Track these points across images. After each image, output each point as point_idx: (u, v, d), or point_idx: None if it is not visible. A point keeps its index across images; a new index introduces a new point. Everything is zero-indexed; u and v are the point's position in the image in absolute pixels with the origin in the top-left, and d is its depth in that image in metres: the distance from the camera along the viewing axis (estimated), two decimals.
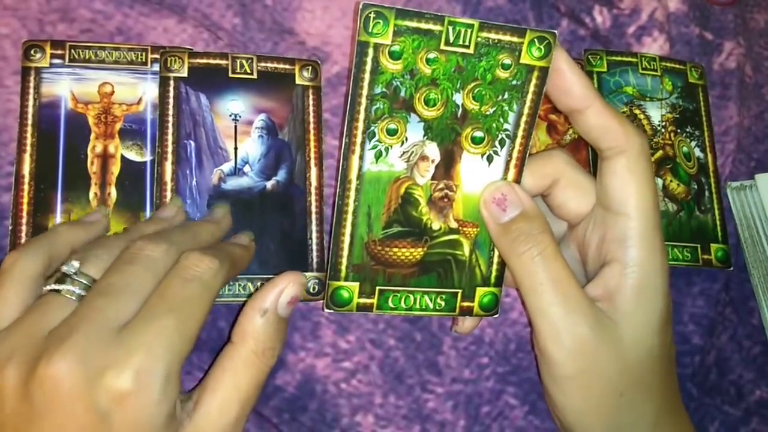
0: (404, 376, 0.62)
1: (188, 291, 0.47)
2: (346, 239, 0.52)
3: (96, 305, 0.46)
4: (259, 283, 0.58)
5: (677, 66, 0.72)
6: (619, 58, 0.70)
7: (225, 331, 0.59)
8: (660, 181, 0.67)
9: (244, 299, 0.57)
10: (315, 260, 0.60)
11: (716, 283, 0.69)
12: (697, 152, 0.69)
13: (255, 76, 0.62)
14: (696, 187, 0.68)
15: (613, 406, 0.51)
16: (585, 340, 0.50)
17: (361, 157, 0.50)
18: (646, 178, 0.52)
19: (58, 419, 0.43)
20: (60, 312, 0.46)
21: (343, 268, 0.52)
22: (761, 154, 0.74)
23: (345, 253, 0.52)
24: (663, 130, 0.69)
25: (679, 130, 0.69)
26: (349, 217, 0.51)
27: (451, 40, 0.49)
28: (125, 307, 0.46)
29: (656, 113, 0.69)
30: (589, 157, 0.67)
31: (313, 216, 0.61)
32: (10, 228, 0.57)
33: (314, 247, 0.61)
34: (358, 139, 0.50)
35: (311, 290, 0.59)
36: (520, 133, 0.52)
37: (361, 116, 0.49)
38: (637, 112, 0.69)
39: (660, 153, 0.68)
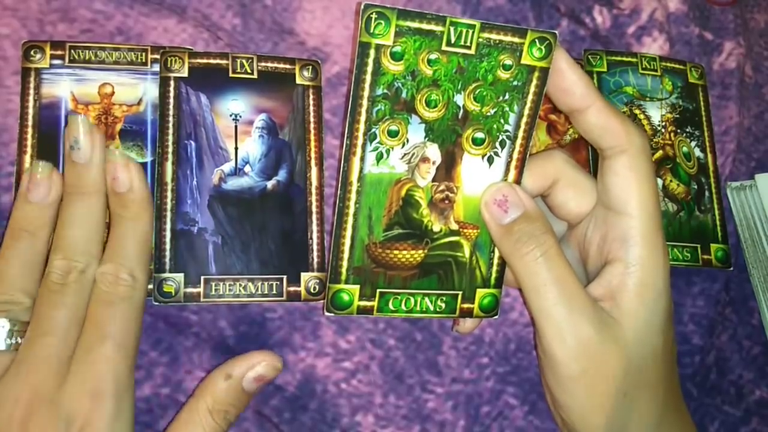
0: (404, 376, 0.62)
1: (114, 314, 0.50)
2: (347, 242, 0.52)
3: (43, 350, 0.49)
4: (259, 284, 0.58)
5: (677, 66, 0.72)
6: (619, 58, 0.70)
7: (225, 330, 0.59)
8: (660, 181, 0.67)
9: (245, 299, 0.57)
10: (315, 260, 0.60)
11: (716, 283, 0.69)
12: (697, 152, 0.70)
13: (255, 76, 0.62)
14: (696, 187, 0.68)
15: (617, 406, 0.51)
16: (589, 340, 0.50)
17: (362, 159, 0.50)
18: (647, 177, 0.52)
19: None
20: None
21: (344, 270, 0.52)
22: (761, 154, 0.74)
23: (345, 255, 0.52)
24: (663, 130, 0.69)
25: (679, 130, 0.69)
26: (350, 220, 0.51)
27: (453, 41, 0.49)
28: (69, 341, 0.49)
29: (656, 113, 0.69)
30: (589, 157, 0.67)
31: (314, 216, 0.61)
32: None
33: (315, 247, 0.60)
34: (359, 141, 0.49)
35: (312, 290, 0.59)
36: (520, 134, 0.52)
37: (362, 118, 0.49)
38: (637, 112, 0.69)
39: (660, 153, 0.68)
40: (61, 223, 0.52)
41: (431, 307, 0.54)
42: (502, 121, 0.51)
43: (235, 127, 0.61)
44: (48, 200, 0.53)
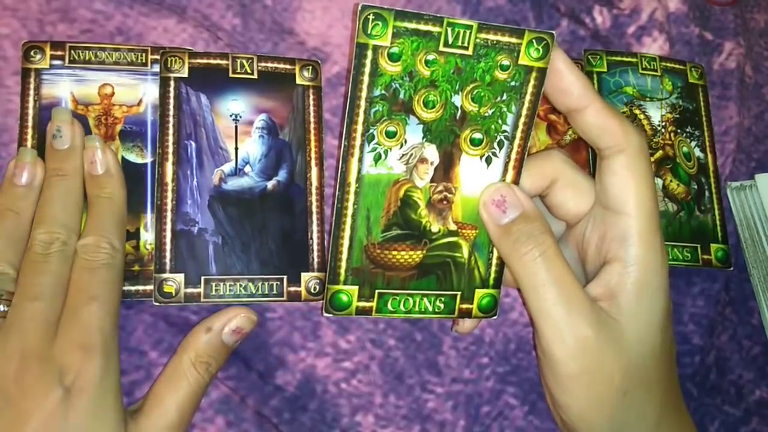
0: (404, 376, 0.62)
1: (98, 278, 0.52)
2: (345, 243, 0.52)
3: (31, 313, 0.50)
4: (259, 284, 0.58)
5: (677, 66, 0.72)
6: (619, 58, 0.70)
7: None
8: (660, 181, 0.67)
9: (245, 299, 0.57)
10: (316, 260, 0.60)
11: (716, 283, 0.69)
12: (697, 152, 0.69)
13: (255, 76, 0.62)
14: (696, 187, 0.68)
15: (616, 405, 0.51)
16: (587, 340, 0.50)
17: (360, 160, 0.50)
18: (646, 177, 0.52)
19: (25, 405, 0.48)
20: None
21: (342, 271, 0.52)
22: (761, 154, 0.74)
23: (344, 256, 0.52)
24: (663, 130, 0.69)
25: (679, 130, 0.69)
26: (348, 221, 0.51)
27: (450, 42, 0.48)
28: (55, 304, 0.51)
29: (656, 113, 0.69)
30: (589, 157, 0.67)
31: (314, 216, 0.61)
32: None
33: (315, 247, 0.61)
34: (357, 142, 0.49)
35: (312, 290, 0.59)
36: (518, 134, 0.52)
37: (360, 119, 0.49)
38: (637, 112, 0.69)
39: (660, 153, 0.68)
40: (43, 202, 0.55)
41: (430, 308, 0.54)
42: (499, 121, 0.51)
43: (236, 127, 0.61)
44: (32, 183, 0.56)
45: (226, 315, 0.56)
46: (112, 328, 0.52)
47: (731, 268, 0.68)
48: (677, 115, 0.70)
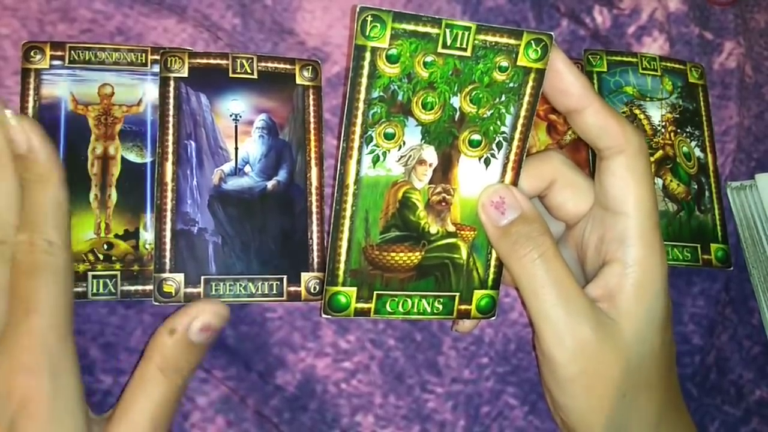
0: (404, 376, 0.62)
1: (37, 285, 0.48)
2: (344, 244, 0.51)
3: None
4: (259, 284, 0.58)
5: (677, 66, 0.72)
6: (619, 58, 0.70)
7: (225, 330, 0.59)
8: (660, 181, 0.67)
9: (245, 299, 0.58)
10: (315, 260, 0.60)
11: (716, 283, 0.69)
12: (697, 152, 0.69)
13: (255, 76, 0.62)
14: (696, 187, 0.68)
15: (616, 407, 0.51)
16: (587, 341, 0.50)
17: (359, 162, 0.50)
18: (645, 178, 0.52)
19: None
20: None
21: (341, 273, 0.52)
22: (761, 154, 0.74)
23: (342, 258, 0.52)
24: (663, 130, 0.69)
25: (679, 130, 0.69)
26: (347, 222, 0.51)
27: (449, 43, 0.48)
28: None
29: (656, 113, 0.69)
30: (588, 158, 0.67)
31: (314, 216, 0.61)
32: None
33: (315, 247, 0.61)
34: (356, 144, 0.49)
35: (312, 290, 0.59)
36: (517, 135, 0.52)
37: (359, 121, 0.49)
38: (637, 112, 0.69)
39: (660, 153, 0.68)
40: None
41: (428, 309, 0.54)
42: (498, 122, 0.51)
43: (235, 127, 0.61)
44: None
45: (189, 314, 0.51)
46: (59, 340, 0.47)
47: (731, 268, 0.68)
48: (677, 115, 0.70)
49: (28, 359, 0.46)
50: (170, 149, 0.59)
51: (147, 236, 0.59)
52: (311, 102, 0.63)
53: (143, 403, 0.50)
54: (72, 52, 0.60)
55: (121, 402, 0.51)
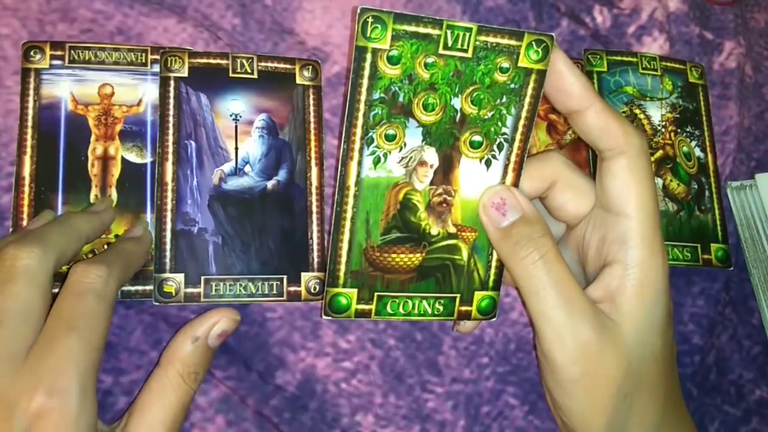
0: (404, 376, 0.62)
1: (83, 306, 0.48)
2: (344, 246, 0.51)
3: None
4: (259, 284, 0.58)
5: (677, 66, 0.72)
6: (619, 58, 0.70)
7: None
8: (660, 181, 0.67)
9: (245, 299, 0.58)
10: (316, 260, 0.60)
11: (716, 283, 0.69)
12: (697, 152, 0.70)
13: (255, 75, 0.62)
14: (696, 186, 0.68)
15: (617, 408, 0.51)
16: (588, 343, 0.50)
17: (360, 163, 0.50)
18: (646, 179, 0.52)
19: None
20: None
21: (342, 274, 0.52)
22: (761, 154, 0.74)
23: (343, 259, 0.52)
24: (663, 129, 0.69)
25: (679, 130, 0.69)
26: (348, 224, 0.51)
27: (450, 44, 0.48)
28: (23, 332, 0.46)
29: (656, 113, 0.69)
30: (589, 158, 0.67)
31: (314, 216, 0.61)
32: (11, 229, 0.57)
33: (315, 246, 0.61)
34: (357, 145, 0.49)
35: (312, 290, 0.59)
36: (518, 136, 0.52)
37: (360, 122, 0.49)
38: (637, 111, 0.69)
39: (660, 153, 0.68)
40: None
41: (429, 310, 0.54)
42: (499, 124, 0.51)
43: (236, 127, 0.61)
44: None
45: (209, 320, 0.53)
46: (91, 365, 0.46)
47: (731, 268, 0.68)
48: (677, 115, 0.70)
49: (59, 377, 0.45)
50: (170, 149, 0.59)
51: None
52: (311, 102, 0.63)
53: (161, 410, 0.50)
54: (72, 51, 0.60)
55: (137, 408, 0.51)
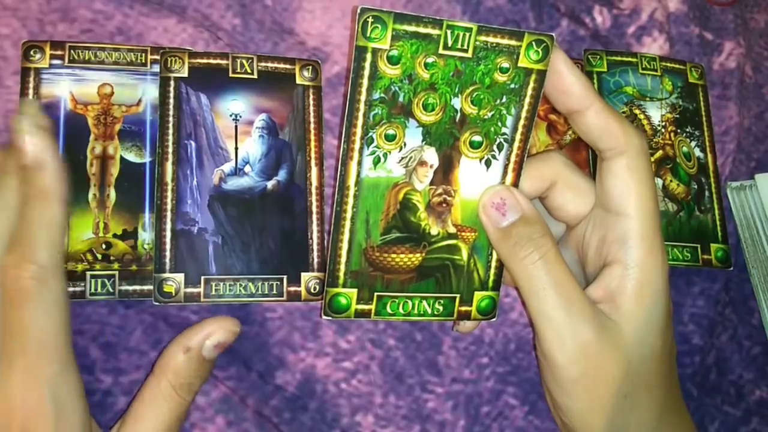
0: (404, 376, 0.62)
1: (27, 315, 0.45)
2: (344, 246, 0.51)
3: None
4: (259, 284, 0.58)
5: (677, 66, 0.72)
6: (619, 58, 0.70)
7: None
8: (660, 181, 0.67)
9: (245, 299, 0.58)
10: (316, 260, 0.60)
11: (716, 283, 0.69)
12: (697, 152, 0.69)
13: (255, 76, 0.62)
14: (696, 187, 0.68)
15: (617, 408, 0.51)
16: (588, 343, 0.50)
17: (360, 163, 0.50)
18: (646, 179, 0.52)
19: None
20: None
21: (341, 274, 0.52)
22: (761, 154, 0.74)
23: (343, 259, 0.52)
24: (663, 130, 0.69)
25: (679, 130, 0.69)
26: (347, 224, 0.51)
27: (450, 44, 0.48)
28: None
29: (656, 113, 0.69)
30: (589, 158, 0.67)
31: (314, 216, 0.61)
32: None
33: (315, 247, 0.61)
34: (357, 145, 0.49)
35: (312, 290, 0.59)
36: (518, 136, 0.52)
37: (360, 122, 0.49)
38: (637, 112, 0.69)
39: (660, 153, 0.68)
40: None
41: (429, 310, 0.54)
42: (499, 124, 0.51)
43: (235, 127, 0.61)
44: None
45: (203, 331, 0.51)
46: (59, 370, 0.45)
47: (731, 268, 0.68)
48: (677, 115, 0.70)
49: (27, 396, 0.44)
50: (170, 149, 0.59)
51: (145, 236, 0.59)
52: (311, 102, 0.63)
53: (153, 421, 0.50)
54: (72, 51, 0.60)
55: (129, 418, 0.50)
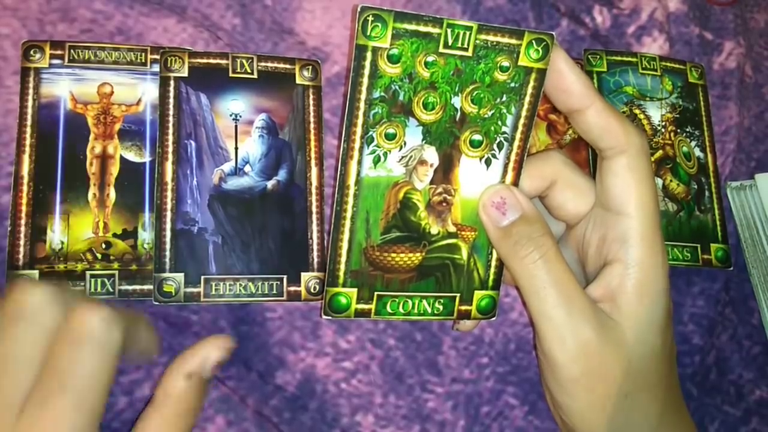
0: (404, 376, 0.62)
1: (80, 359, 0.42)
2: (344, 245, 0.51)
3: None
4: (259, 284, 0.58)
5: (677, 66, 0.72)
6: (619, 58, 0.70)
7: (225, 330, 0.59)
8: (660, 181, 0.67)
9: (245, 299, 0.57)
10: (315, 260, 0.60)
11: (716, 283, 0.69)
12: (697, 152, 0.69)
13: (255, 75, 0.62)
14: (696, 187, 0.68)
15: (618, 407, 0.51)
16: (589, 342, 0.50)
17: (360, 163, 0.50)
18: (647, 178, 0.51)
19: None
20: None
21: (341, 274, 0.52)
22: (761, 154, 0.74)
23: (343, 259, 0.52)
24: (663, 129, 0.69)
25: (679, 130, 0.69)
26: (348, 223, 0.51)
27: (450, 43, 0.48)
28: (19, 380, 0.42)
29: (656, 113, 0.69)
30: (589, 157, 0.67)
31: (314, 216, 0.61)
32: (9, 228, 0.57)
33: (315, 247, 0.61)
34: (357, 144, 0.49)
35: (312, 290, 0.59)
36: (518, 135, 0.51)
37: (360, 121, 0.49)
38: (637, 111, 0.69)
39: (660, 153, 0.68)
40: None
41: (429, 310, 0.54)
42: (499, 123, 0.51)
43: (235, 126, 0.61)
44: None
45: (201, 353, 0.48)
46: (88, 425, 0.42)
47: (731, 268, 0.68)
48: (677, 115, 0.70)
49: None
50: (170, 149, 0.59)
51: (145, 235, 0.59)
52: (311, 102, 0.63)
53: None
54: (72, 51, 0.60)
55: None
